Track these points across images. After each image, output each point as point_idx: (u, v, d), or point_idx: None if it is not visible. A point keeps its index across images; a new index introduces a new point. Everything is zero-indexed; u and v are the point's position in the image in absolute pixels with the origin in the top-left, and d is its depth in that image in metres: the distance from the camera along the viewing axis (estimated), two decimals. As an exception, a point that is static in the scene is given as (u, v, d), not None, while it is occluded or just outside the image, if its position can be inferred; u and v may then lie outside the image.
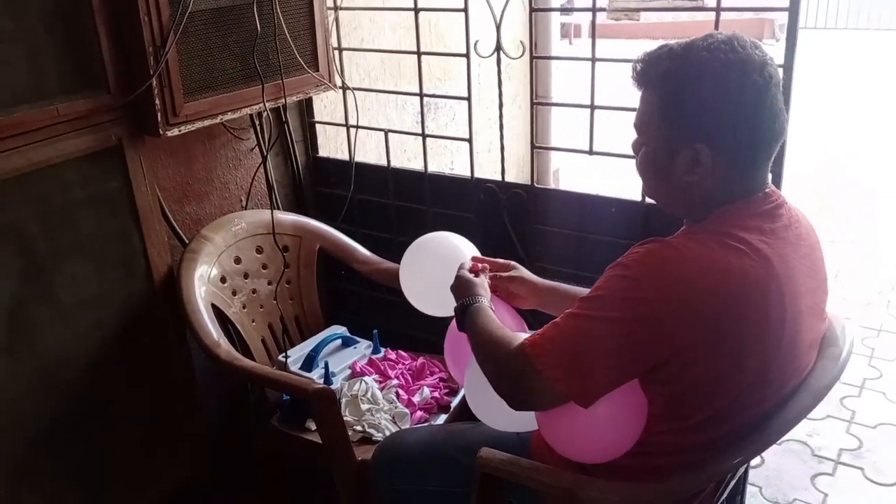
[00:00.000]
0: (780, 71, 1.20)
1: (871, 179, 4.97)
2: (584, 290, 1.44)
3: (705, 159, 1.13)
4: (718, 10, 1.64)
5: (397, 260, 2.10)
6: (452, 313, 1.45)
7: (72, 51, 1.54)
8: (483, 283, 1.47)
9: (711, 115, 1.11)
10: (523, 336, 1.23)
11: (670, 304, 1.08)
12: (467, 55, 1.99)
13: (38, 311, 1.57)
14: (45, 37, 1.49)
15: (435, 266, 1.63)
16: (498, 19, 1.90)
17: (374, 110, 2.61)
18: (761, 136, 1.13)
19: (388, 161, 2.26)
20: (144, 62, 1.59)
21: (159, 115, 1.64)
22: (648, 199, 1.88)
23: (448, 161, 3.02)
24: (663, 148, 1.17)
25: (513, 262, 1.61)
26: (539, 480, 1.30)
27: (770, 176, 1.20)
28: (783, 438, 2.19)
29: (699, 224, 1.18)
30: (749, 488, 2.11)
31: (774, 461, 2.31)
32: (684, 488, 1.24)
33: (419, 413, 1.82)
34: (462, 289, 1.45)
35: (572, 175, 4.03)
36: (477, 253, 1.66)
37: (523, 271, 1.58)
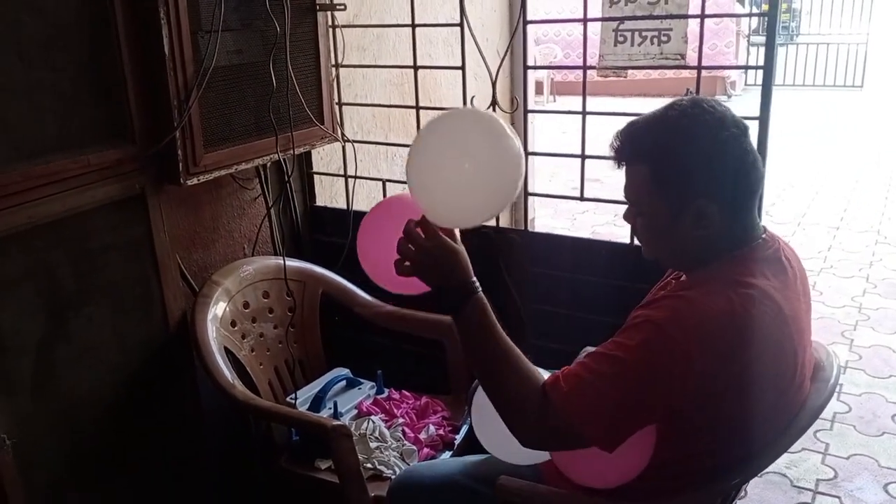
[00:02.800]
0: (756, 124, 1.30)
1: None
2: None
3: (710, 212, 1.20)
4: (700, 68, 1.80)
5: (395, 303, 2.20)
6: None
7: (102, 103, 1.62)
8: (462, 251, 1.25)
9: (704, 171, 1.20)
10: (540, 376, 1.24)
11: (694, 354, 1.14)
12: (464, 109, 2.12)
13: (62, 353, 1.61)
14: (77, 90, 1.58)
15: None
16: (494, 76, 2.05)
17: (367, 161, 2.72)
18: (749, 180, 1.23)
19: (386, 209, 2.36)
20: (169, 115, 1.68)
21: (181, 165, 1.72)
22: (637, 242, 2.02)
23: (434, 210, 3.13)
24: (665, 212, 1.24)
25: None
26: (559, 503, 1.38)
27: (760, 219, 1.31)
28: (764, 471, 2.29)
29: (704, 272, 1.25)
30: (736, 519, 2.20)
31: (757, 493, 2.41)
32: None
33: (426, 450, 1.88)
34: (442, 267, 1.22)
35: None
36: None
37: None
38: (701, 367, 1.15)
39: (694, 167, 1.20)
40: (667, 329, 1.16)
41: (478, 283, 1.25)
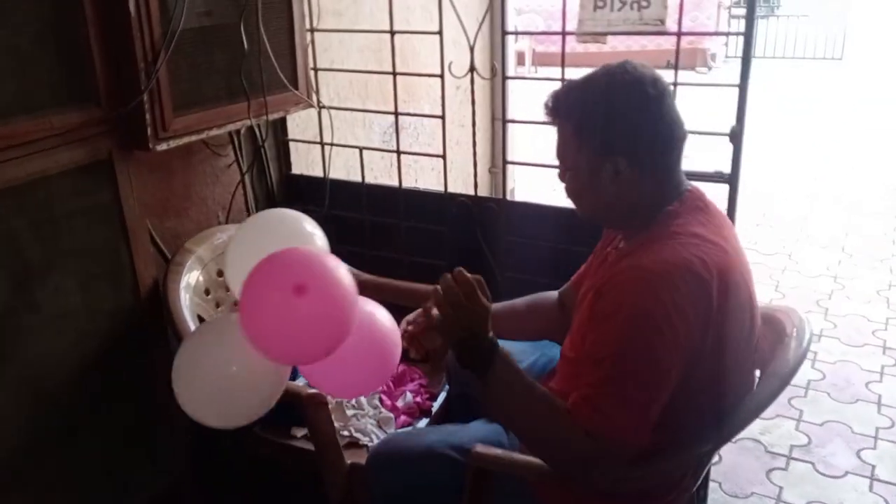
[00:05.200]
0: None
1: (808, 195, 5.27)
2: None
3: (623, 168, 1.26)
4: (679, 34, 1.78)
5: (371, 272, 2.18)
6: None
7: (65, 64, 1.57)
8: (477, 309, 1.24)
9: (620, 128, 1.26)
10: (561, 403, 1.21)
11: (671, 323, 1.16)
12: (441, 76, 2.09)
13: (27, 321, 1.58)
14: (39, 49, 1.52)
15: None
16: (472, 42, 2.01)
17: (343, 129, 2.68)
18: (667, 141, 1.29)
19: (363, 177, 2.33)
20: (136, 77, 1.63)
21: (149, 129, 1.68)
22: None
23: (412, 178, 3.11)
24: (585, 167, 1.30)
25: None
26: (533, 472, 1.38)
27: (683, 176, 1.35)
28: (738, 437, 2.32)
29: (647, 234, 1.29)
30: (710, 484, 2.23)
31: (731, 458, 2.44)
32: (669, 469, 1.34)
33: (403, 417, 1.88)
34: (473, 320, 1.21)
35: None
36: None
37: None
38: (672, 332, 1.16)
39: (611, 124, 1.26)
40: (627, 313, 1.18)
41: (495, 344, 1.23)
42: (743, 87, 1.70)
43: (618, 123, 1.25)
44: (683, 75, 1.84)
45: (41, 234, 1.58)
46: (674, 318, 1.16)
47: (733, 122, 1.73)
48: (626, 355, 1.18)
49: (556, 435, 1.20)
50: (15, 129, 1.47)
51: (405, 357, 2.12)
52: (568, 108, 1.31)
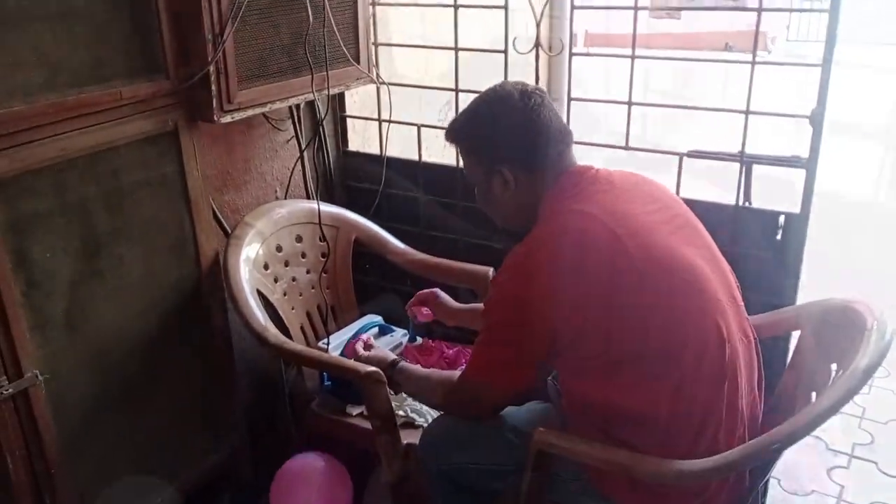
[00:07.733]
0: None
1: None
2: None
3: (509, 176, 1.41)
4: (760, 10, 1.70)
5: (426, 252, 2.16)
6: None
7: (135, 35, 1.56)
8: (382, 351, 1.75)
9: (495, 141, 1.42)
10: (456, 373, 1.50)
11: (543, 296, 1.32)
12: (505, 51, 2.04)
13: (95, 289, 1.59)
14: (110, 20, 1.52)
15: None
16: (538, 17, 1.96)
17: (398, 105, 2.64)
18: (543, 141, 1.41)
19: (420, 156, 2.30)
20: (203, 49, 1.62)
21: (214, 101, 1.67)
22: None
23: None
24: (482, 180, 1.46)
25: (435, 291, 1.90)
26: (594, 457, 1.35)
27: (574, 159, 1.46)
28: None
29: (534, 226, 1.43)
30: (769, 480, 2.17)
31: (790, 455, 2.34)
32: (734, 464, 1.29)
33: (458, 399, 1.86)
34: (374, 363, 1.66)
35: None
36: None
37: (444, 297, 1.90)
38: (543, 303, 1.32)
39: (488, 139, 1.43)
40: (506, 290, 1.39)
41: (398, 359, 1.66)
42: (826, 66, 1.62)
43: (493, 138, 1.42)
44: (741, 59, 1.76)
45: (109, 204, 1.59)
46: (526, 289, 1.34)
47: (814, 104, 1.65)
48: (491, 321, 1.41)
49: (443, 387, 1.51)
50: (86, 99, 1.47)
51: (459, 338, 2.11)
52: (458, 131, 1.49)
